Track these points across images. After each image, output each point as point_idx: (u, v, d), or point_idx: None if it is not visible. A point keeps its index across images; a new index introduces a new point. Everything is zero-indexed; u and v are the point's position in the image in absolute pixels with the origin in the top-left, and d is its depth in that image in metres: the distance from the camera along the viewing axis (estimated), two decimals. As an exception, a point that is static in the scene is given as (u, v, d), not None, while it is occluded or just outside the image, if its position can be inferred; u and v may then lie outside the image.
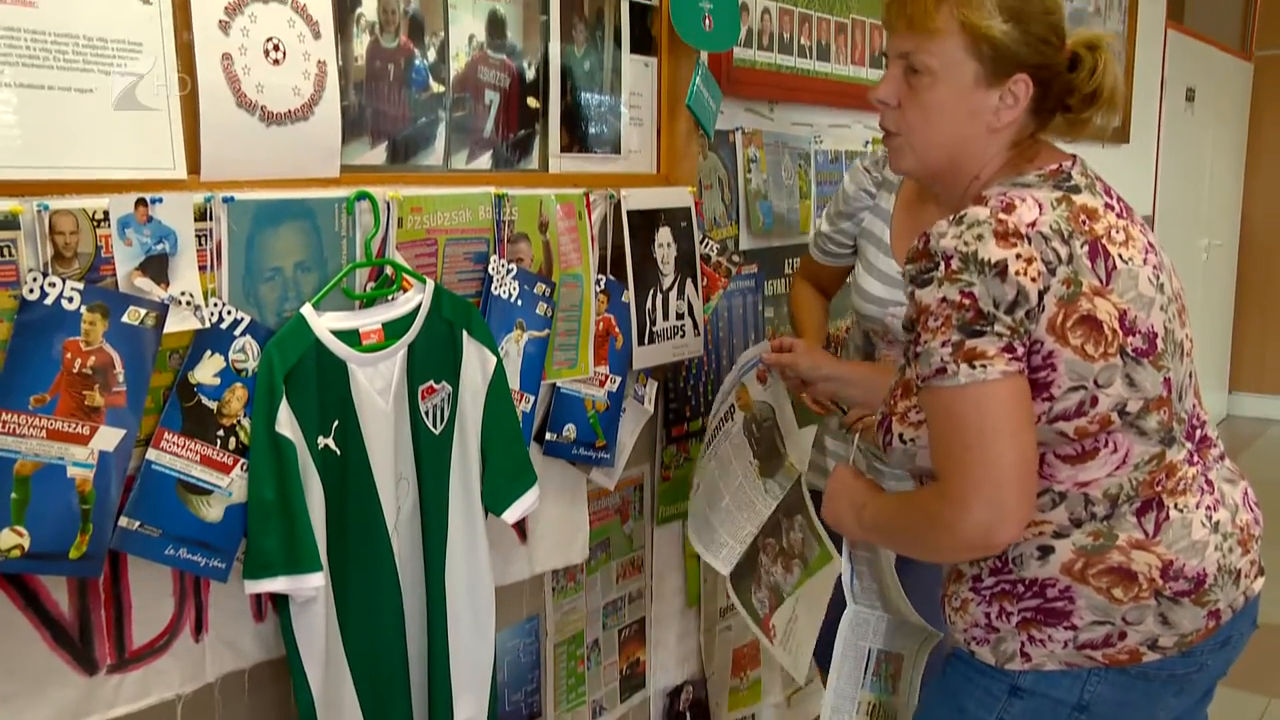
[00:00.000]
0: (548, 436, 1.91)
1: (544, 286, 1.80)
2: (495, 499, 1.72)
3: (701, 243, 2.17)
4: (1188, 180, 5.72)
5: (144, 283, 1.30)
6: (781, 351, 1.94)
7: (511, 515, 1.74)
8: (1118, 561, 1.37)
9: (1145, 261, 1.37)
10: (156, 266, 1.32)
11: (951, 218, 1.34)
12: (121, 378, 1.29)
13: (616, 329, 1.98)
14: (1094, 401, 1.32)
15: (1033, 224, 1.31)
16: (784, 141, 2.56)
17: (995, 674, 1.44)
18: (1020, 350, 1.29)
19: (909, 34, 1.43)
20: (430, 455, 1.65)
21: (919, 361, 1.32)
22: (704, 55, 2.17)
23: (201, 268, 1.37)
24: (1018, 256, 1.28)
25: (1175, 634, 1.39)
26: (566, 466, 1.99)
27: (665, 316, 2.07)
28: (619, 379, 1.99)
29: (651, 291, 2.04)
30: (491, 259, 1.73)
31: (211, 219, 1.38)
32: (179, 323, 1.35)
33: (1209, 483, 1.43)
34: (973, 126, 1.43)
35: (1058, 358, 1.30)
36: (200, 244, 1.37)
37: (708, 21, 2.11)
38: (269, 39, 1.43)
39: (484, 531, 1.73)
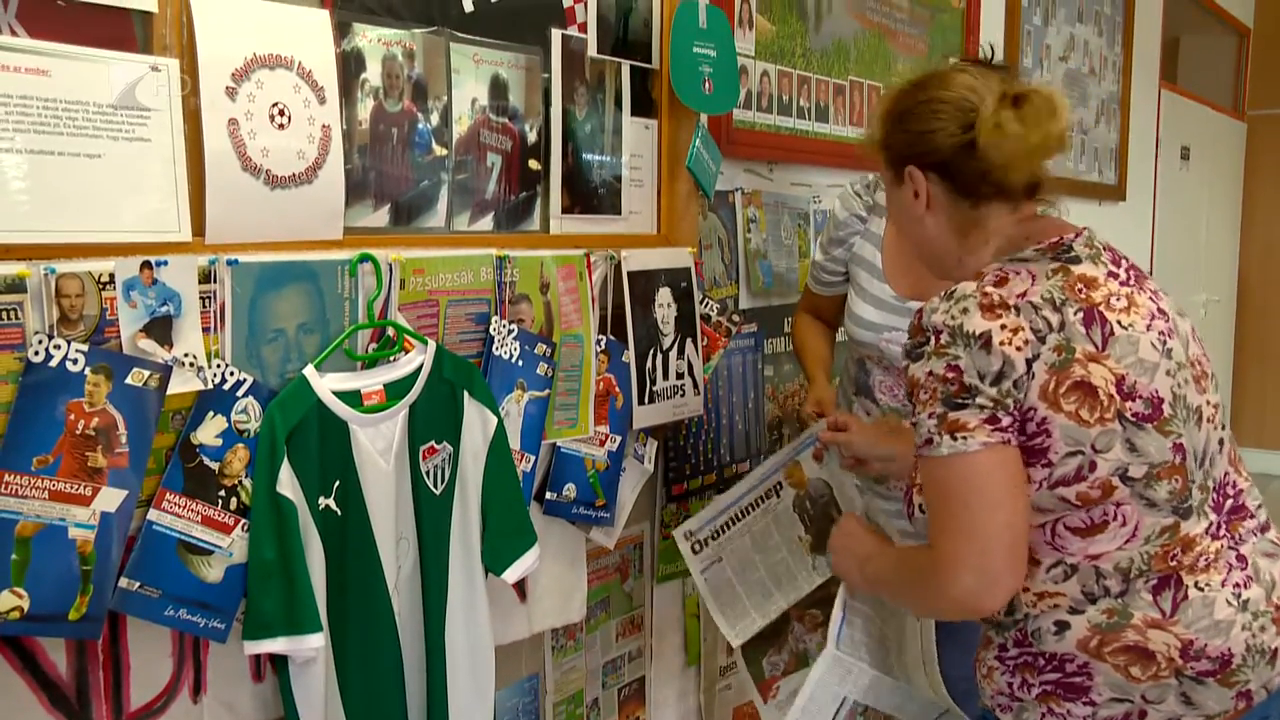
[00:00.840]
0: (548, 496, 1.91)
1: (545, 347, 1.82)
2: (495, 559, 1.72)
3: (701, 302, 2.18)
4: (1184, 237, 5.76)
5: (148, 345, 1.32)
6: (837, 430, 1.92)
7: (512, 575, 1.74)
8: (1133, 640, 1.36)
9: (1149, 327, 1.38)
10: (161, 328, 1.33)
11: (943, 293, 1.38)
12: (124, 439, 1.30)
13: (617, 389, 1.99)
14: (1093, 466, 1.33)
15: (1023, 294, 1.35)
16: (783, 201, 2.59)
17: None
18: (1006, 421, 1.32)
19: None
20: (431, 515, 1.65)
21: (915, 433, 1.36)
22: (704, 117, 2.20)
23: (205, 329, 1.38)
24: (1002, 327, 1.32)
25: (1200, 714, 1.36)
26: (566, 526, 1.99)
27: (665, 376, 2.08)
28: (619, 438, 1.99)
29: (652, 351, 2.05)
30: (493, 320, 1.74)
31: (215, 281, 1.39)
32: (182, 384, 1.36)
33: (1240, 558, 1.40)
34: (911, 221, 1.53)
35: (1051, 424, 1.32)
36: (204, 306, 1.38)
37: (707, 84, 2.15)
38: (274, 104, 1.46)
39: (484, 591, 1.72)
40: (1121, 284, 1.41)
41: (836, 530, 1.70)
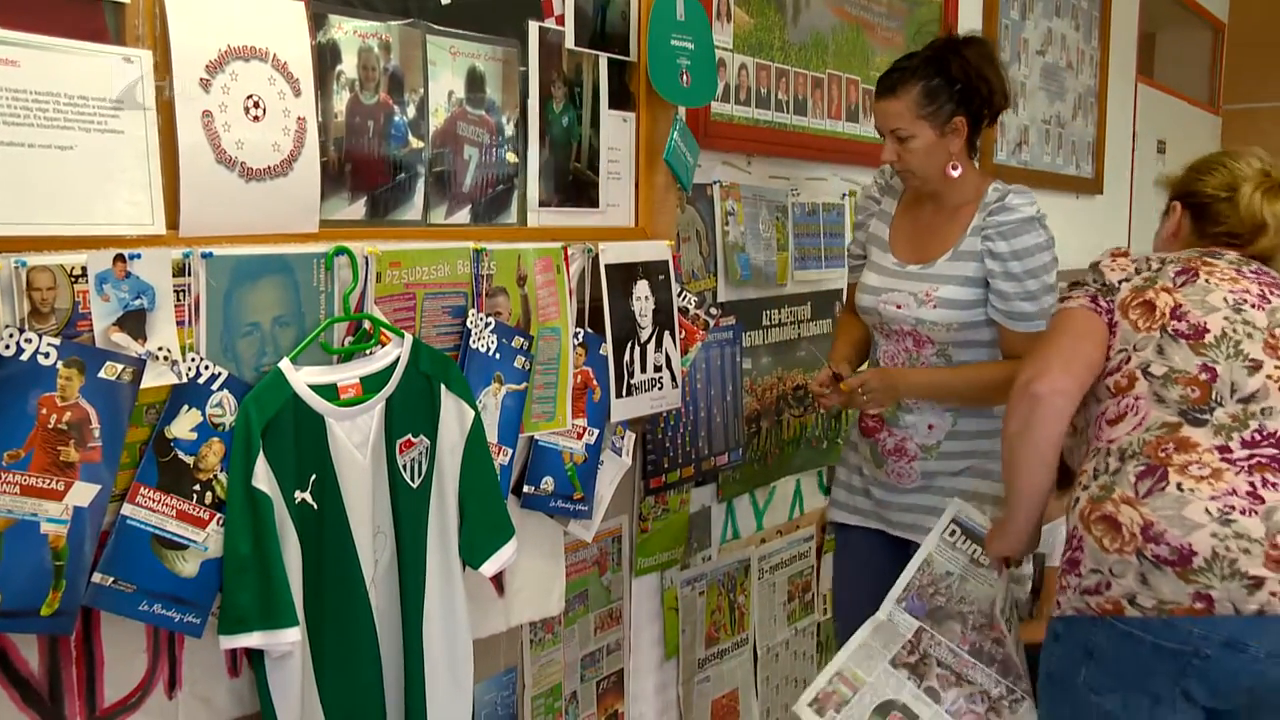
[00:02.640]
0: (525, 489, 1.91)
1: (522, 340, 1.81)
2: (473, 552, 1.72)
3: (679, 295, 2.18)
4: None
5: (121, 338, 1.31)
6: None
7: (489, 568, 1.74)
8: (1109, 511, 1.62)
9: (1232, 292, 1.73)
10: (134, 322, 1.32)
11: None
12: (97, 433, 1.29)
13: (594, 381, 1.98)
14: (1127, 360, 1.73)
15: (1141, 255, 1.87)
16: (761, 194, 2.59)
17: (1050, 624, 1.74)
18: (1103, 304, 1.80)
19: None
20: (408, 509, 1.65)
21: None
22: (681, 110, 2.20)
23: (179, 323, 1.37)
24: (1111, 265, 1.86)
25: (1154, 597, 1.56)
26: (544, 519, 1.99)
27: (643, 369, 2.08)
28: (597, 431, 1.99)
29: (629, 344, 2.05)
30: (470, 313, 1.74)
31: (190, 274, 1.38)
32: (156, 378, 1.35)
33: (1252, 493, 1.57)
34: (1160, 240, 2.09)
35: (1118, 328, 1.77)
36: (178, 299, 1.37)
37: (685, 77, 2.14)
38: (249, 96, 1.45)
39: (461, 584, 1.72)
40: (1237, 271, 1.78)
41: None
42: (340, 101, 1.59)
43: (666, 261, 2.14)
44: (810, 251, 2.79)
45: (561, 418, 1.92)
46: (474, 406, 1.71)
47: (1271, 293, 1.75)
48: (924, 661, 1.97)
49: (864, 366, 2.40)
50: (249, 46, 1.44)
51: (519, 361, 1.81)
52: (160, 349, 1.35)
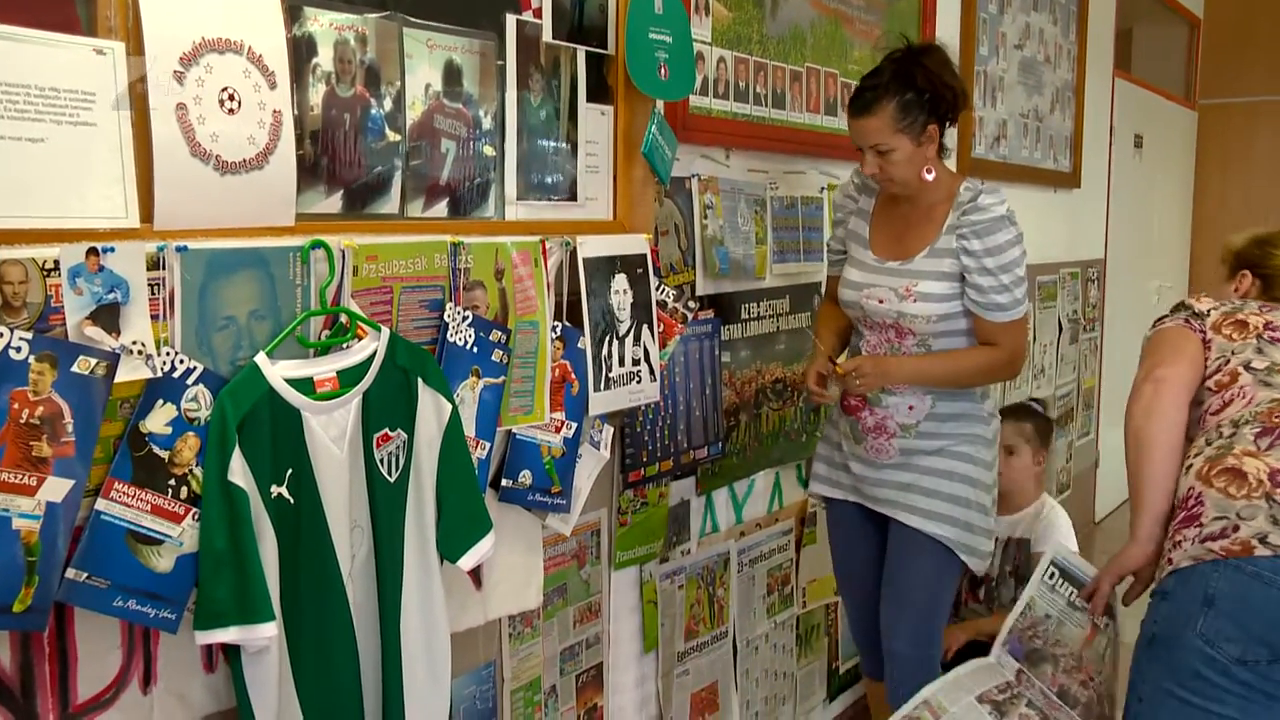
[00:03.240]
0: (503, 483, 1.91)
1: (500, 334, 1.81)
2: (450, 546, 1.72)
3: (658, 289, 2.18)
4: (1137, 224, 5.83)
5: (94, 332, 1.30)
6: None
7: (467, 562, 1.73)
8: (1232, 464, 1.76)
9: None
10: (107, 316, 1.31)
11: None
12: (70, 428, 1.28)
13: (572, 375, 1.98)
14: (1227, 362, 1.96)
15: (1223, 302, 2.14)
16: (740, 188, 2.59)
17: (1154, 596, 1.79)
18: (1196, 325, 2.05)
19: None
20: (385, 503, 1.65)
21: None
22: (660, 103, 2.20)
23: (154, 317, 1.37)
24: (1203, 296, 2.16)
25: None
26: (522, 513, 1.99)
27: (621, 362, 2.08)
28: (575, 425, 1.99)
29: (608, 338, 2.05)
30: (447, 306, 1.74)
31: (164, 268, 1.37)
32: (130, 372, 1.34)
33: None
34: (1222, 296, 2.31)
35: (1212, 343, 2.01)
36: (153, 293, 1.36)
37: (663, 70, 2.14)
38: (224, 89, 1.44)
39: (439, 578, 1.72)
40: None
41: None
42: (316, 94, 1.59)
43: (645, 255, 2.14)
44: (789, 245, 2.79)
45: (539, 411, 1.92)
46: (451, 400, 1.70)
47: None
48: (1012, 701, 2.00)
49: (843, 355, 2.53)
50: (223, 39, 1.44)
51: (497, 355, 1.81)
52: (134, 343, 1.34)
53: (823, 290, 2.79)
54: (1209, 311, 2.05)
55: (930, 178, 2.30)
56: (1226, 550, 1.66)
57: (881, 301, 2.35)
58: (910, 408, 2.37)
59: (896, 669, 2.43)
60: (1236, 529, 1.67)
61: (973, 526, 2.39)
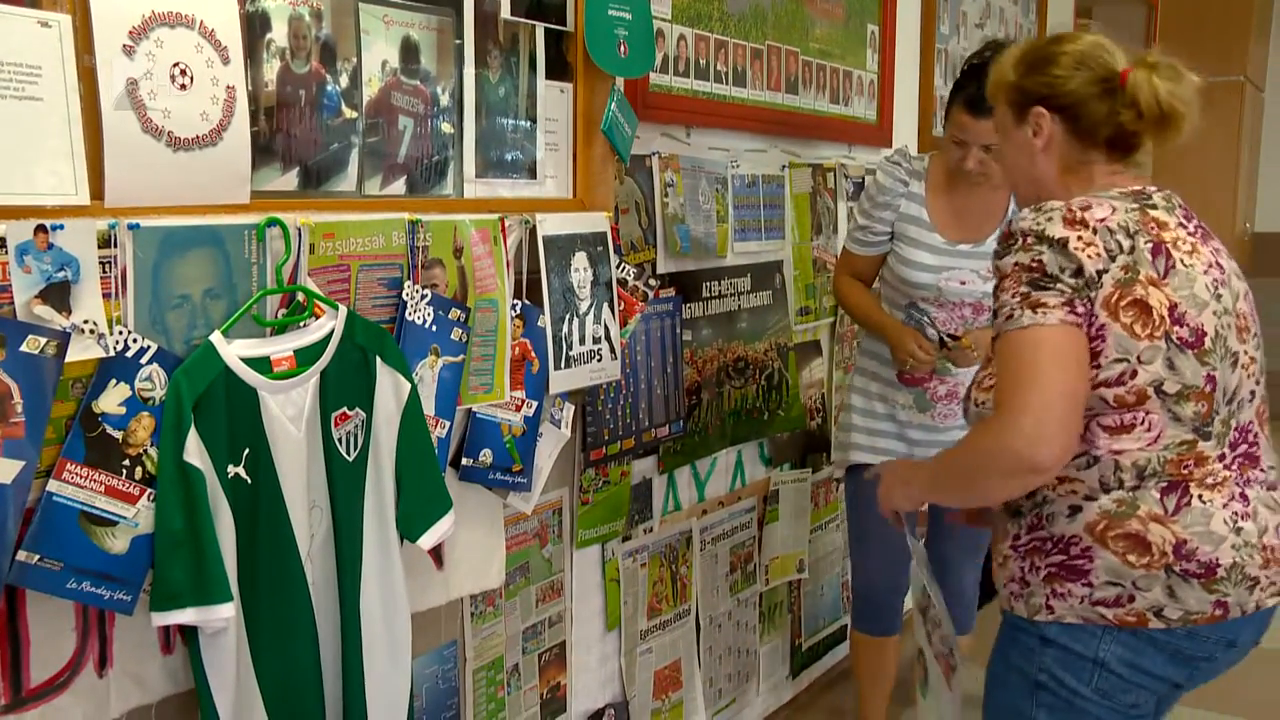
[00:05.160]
0: (464, 462, 1.91)
1: (459, 312, 1.80)
2: (410, 525, 1.71)
3: (618, 267, 2.18)
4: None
5: (44, 311, 1.28)
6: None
7: (427, 541, 1.73)
8: (1136, 529, 1.55)
9: (1206, 272, 1.59)
10: (58, 294, 1.29)
11: (1033, 207, 1.60)
12: (20, 408, 1.26)
13: (532, 353, 1.98)
14: (1133, 374, 1.53)
15: (1102, 220, 1.56)
16: (701, 166, 2.59)
17: (1029, 627, 1.64)
18: (1081, 309, 1.52)
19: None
20: (344, 482, 1.64)
21: (997, 317, 1.57)
22: (619, 81, 2.19)
23: (106, 295, 1.35)
24: (1079, 237, 1.53)
25: (1180, 609, 1.55)
26: (483, 491, 1.98)
27: (582, 341, 2.08)
28: (535, 403, 1.99)
29: (568, 316, 2.04)
30: (405, 285, 1.72)
31: (116, 246, 1.36)
32: (82, 351, 1.32)
33: (1244, 496, 1.59)
34: (1023, 156, 1.73)
35: (1108, 331, 1.53)
36: (105, 271, 1.34)
37: (623, 47, 2.13)
38: (176, 64, 1.42)
39: (399, 558, 1.71)
40: (1189, 233, 1.62)
41: (885, 473, 1.90)
42: (271, 70, 1.57)
43: (605, 233, 2.13)
44: (750, 224, 2.79)
45: (499, 390, 1.91)
46: (410, 379, 1.69)
47: (1219, 254, 1.64)
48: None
49: None
50: (174, 13, 1.41)
51: (456, 333, 1.80)
52: (86, 322, 1.32)
53: (836, 265, 2.85)
54: (1099, 276, 1.52)
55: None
56: (1120, 620, 1.57)
57: (964, 283, 2.50)
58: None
59: (969, 600, 2.75)
60: (1132, 599, 1.56)
61: None
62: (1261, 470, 1.64)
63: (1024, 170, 1.74)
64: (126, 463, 1.39)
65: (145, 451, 1.41)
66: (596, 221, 2.12)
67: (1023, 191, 1.77)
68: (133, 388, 1.39)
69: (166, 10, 1.40)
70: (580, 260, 2.06)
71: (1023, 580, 1.64)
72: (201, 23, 1.44)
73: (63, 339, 1.29)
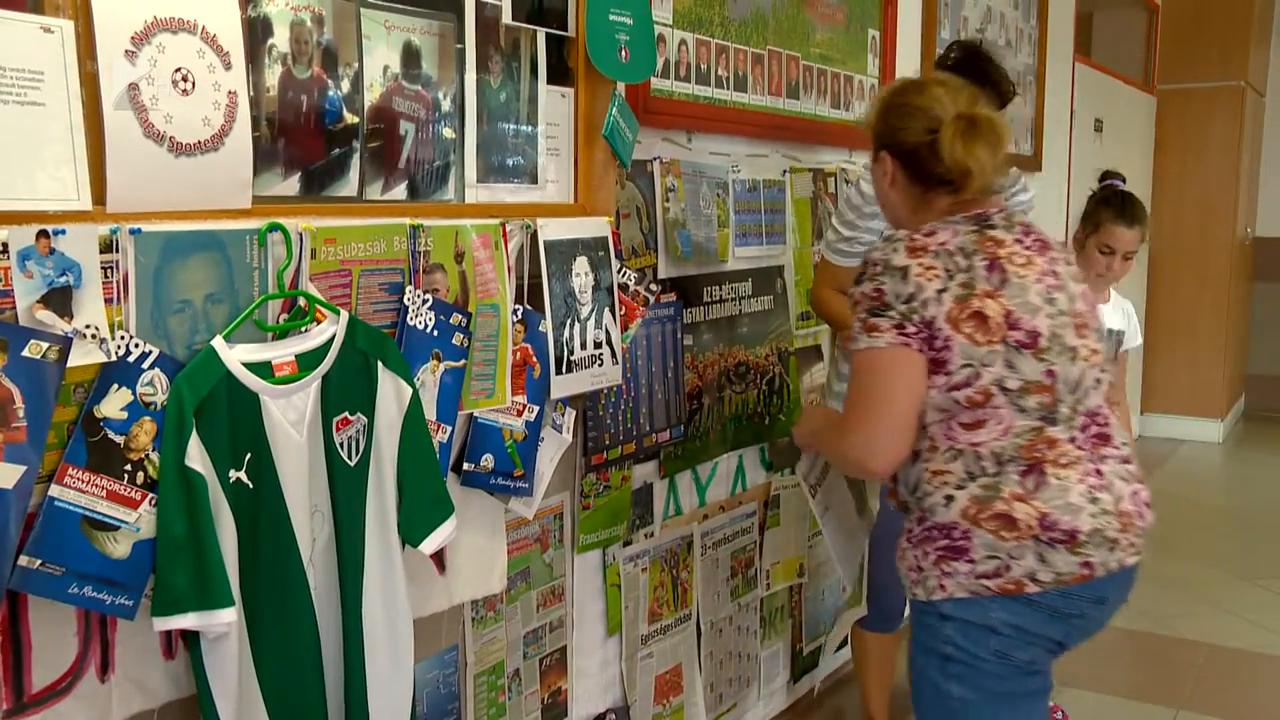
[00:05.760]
0: (465, 467, 1.91)
1: (460, 317, 1.80)
2: (412, 530, 1.71)
3: (619, 272, 2.18)
4: (1097, 208, 5.87)
5: (46, 316, 1.28)
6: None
7: (429, 546, 1.73)
8: (1002, 509, 1.77)
9: (1039, 281, 1.81)
10: (60, 299, 1.29)
11: (884, 237, 1.87)
12: (21, 413, 1.26)
13: (534, 358, 1.98)
14: (978, 376, 1.77)
15: (943, 244, 1.80)
16: (702, 171, 2.59)
17: (928, 608, 1.85)
18: (911, 330, 1.76)
19: None
20: (345, 487, 1.64)
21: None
22: (621, 86, 2.19)
23: (108, 300, 1.35)
24: (919, 263, 1.78)
25: (1052, 572, 1.77)
26: (485, 496, 1.98)
27: (583, 345, 2.08)
28: (537, 408, 1.99)
29: (569, 321, 2.04)
30: (407, 290, 1.73)
31: (118, 251, 1.36)
32: (84, 356, 1.32)
33: (1098, 471, 1.81)
34: (880, 191, 2.02)
35: (953, 342, 1.76)
36: (106, 276, 1.34)
37: (624, 53, 2.14)
38: (177, 69, 1.42)
39: (401, 563, 1.71)
40: (1025, 248, 1.85)
41: (802, 414, 2.32)
42: (272, 75, 1.57)
43: (606, 238, 2.13)
44: (751, 229, 2.80)
45: (501, 395, 1.91)
46: (412, 384, 1.70)
47: (1055, 263, 1.86)
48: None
49: None
50: (176, 18, 1.42)
51: (457, 339, 1.80)
52: (88, 327, 1.32)
53: (814, 280, 2.84)
54: (940, 296, 1.75)
55: None
56: (1001, 588, 1.77)
57: None
58: None
59: None
60: (1009, 569, 1.76)
61: None
62: (1114, 448, 1.85)
63: (883, 200, 2.03)
64: (128, 468, 1.39)
65: (147, 456, 1.41)
66: (598, 226, 2.12)
67: (887, 217, 2.07)
68: (134, 393, 1.39)
69: (168, 16, 1.41)
70: (581, 265, 2.06)
71: (918, 568, 1.84)
72: (203, 28, 1.45)
73: (64, 344, 1.30)
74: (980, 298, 1.75)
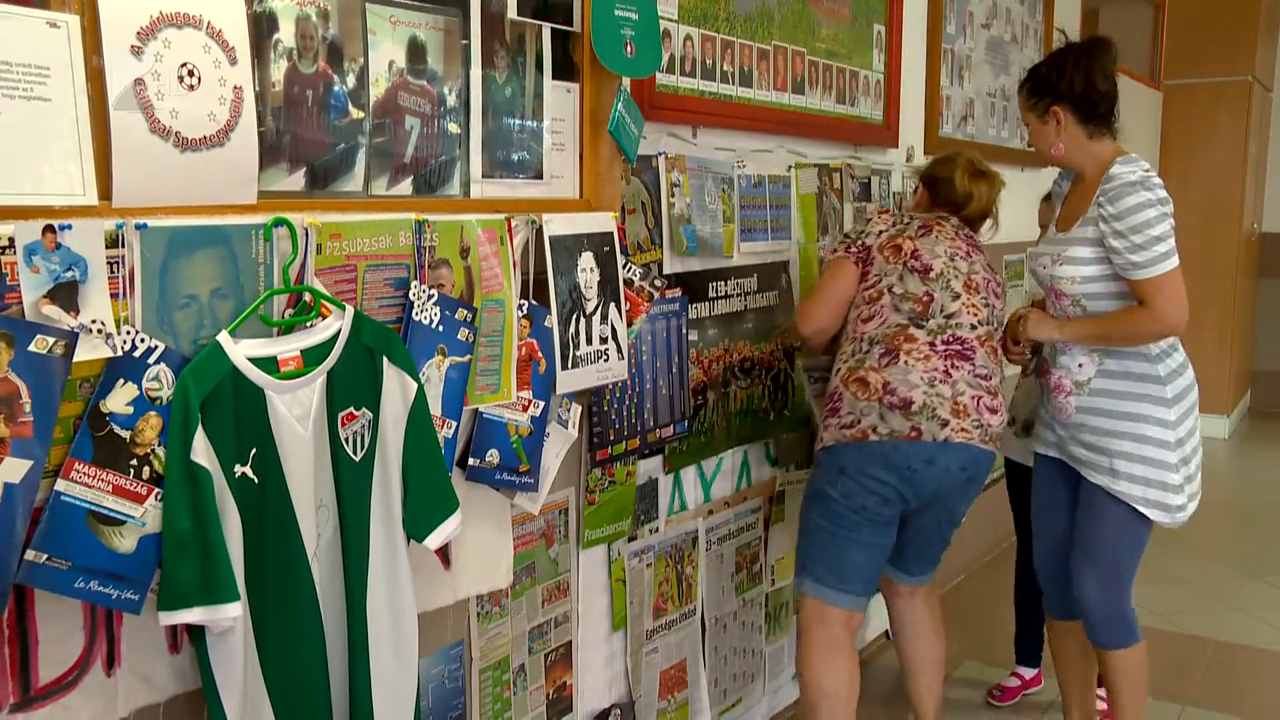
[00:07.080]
0: (470, 462, 1.91)
1: (466, 312, 1.80)
2: (417, 525, 1.71)
3: (624, 267, 2.18)
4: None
5: (52, 311, 1.28)
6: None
7: (434, 541, 1.73)
8: (861, 375, 2.50)
9: (949, 250, 2.60)
10: (66, 294, 1.29)
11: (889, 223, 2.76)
12: (28, 408, 1.26)
13: (539, 353, 1.98)
14: (879, 281, 2.58)
15: (906, 218, 2.70)
16: (707, 166, 2.59)
17: (818, 456, 2.60)
18: (855, 251, 2.64)
19: None
20: (351, 482, 1.64)
21: None
22: (626, 81, 2.19)
23: (114, 295, 1.35)
24: (879, 219, 2.72)
25: (889, 427, 2.45)
26: (490, 492, 1.98)
27: (588, 341, 2.08)
28: (542, 404, 1.99)
29: (574, 316, 2.04)
30: (412, 285, 1.73)
31: (124, 246, 1.36)
32: (90, 351, 1.32)
33: (947, 371, 2.48)
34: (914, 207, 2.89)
35: (874, 261, 2.61)
36: (112, 271, 1.35)
37: (629, 48, 2.13)
38: (183, 64, 1.42)
39: (406, 558, 1.71)
40: (954, 238, 2.65)
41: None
42: (278, 71, 1.57)
43: (611, 233, 2.13)
44: (756, 224, 2.79)
45: (506, 390, 1.91)
46: (417, 379, 1.70)
47: (972, 250, 2.64)
48: None
49: None
50: (182, 13, 1.42)
51: (462, 334, 1.80)
52: (94, 322, 1.32)
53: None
54: (880, 234, 2.62)
55: (1055, 154, 2.66)
56: (852, 437, 2.47)
57: (1043, 267, 2.68)
58: (1080, 365, 2.64)
59: (1090, 613, 2.71)
60: (859, 422, 2.46)
61: (1151, 482, 2.57)
62: (973, 365, 2.51)
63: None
64: (134, 462, 1.39)
65: (153, 451, 1.41)
66: (603, 222, 2.12)
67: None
68: (140, 387, 1.39)
69: (174, 11, 1.41)
70: (587, 260, 2.06)
71: (824, 427, 2.56)
72: (209, 23, 1.45)
73: (70, 339, 1.30)
74: (903, 239, 2.59)
